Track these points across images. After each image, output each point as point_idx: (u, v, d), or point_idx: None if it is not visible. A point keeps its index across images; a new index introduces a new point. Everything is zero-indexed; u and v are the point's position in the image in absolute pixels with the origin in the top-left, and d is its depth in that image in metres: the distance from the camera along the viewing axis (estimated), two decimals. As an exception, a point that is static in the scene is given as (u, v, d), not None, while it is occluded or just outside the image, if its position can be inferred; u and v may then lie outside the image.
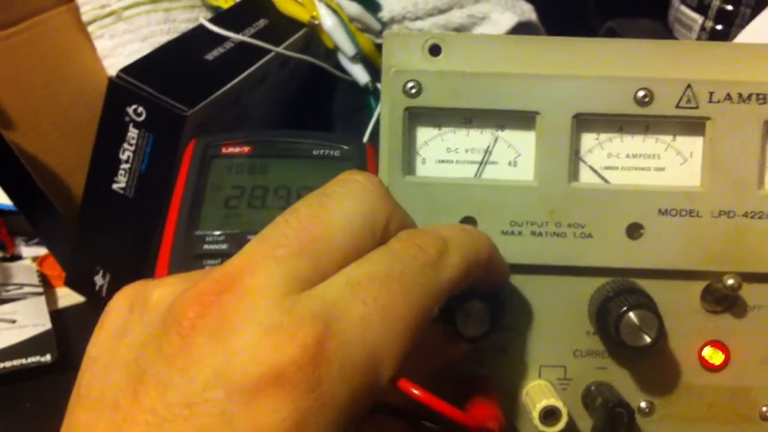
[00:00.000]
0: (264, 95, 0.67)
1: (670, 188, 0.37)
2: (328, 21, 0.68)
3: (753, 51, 0.37)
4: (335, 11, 0.69)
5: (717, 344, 0.38)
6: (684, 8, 0.76)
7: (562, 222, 0.37)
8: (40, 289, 0.68)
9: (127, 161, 0.57)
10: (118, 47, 0.69)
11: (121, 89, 0.56)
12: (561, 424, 0.36)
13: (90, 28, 0.69)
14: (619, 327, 0.35)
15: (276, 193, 0.51)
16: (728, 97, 0.36)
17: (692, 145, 0.37)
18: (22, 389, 0.58)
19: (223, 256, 0.47)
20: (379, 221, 0.30)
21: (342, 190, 0.30)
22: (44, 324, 0.63)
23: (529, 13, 0.80)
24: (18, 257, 0.75)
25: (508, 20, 0.75)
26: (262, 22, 0.66)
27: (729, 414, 0.39)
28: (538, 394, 0.37)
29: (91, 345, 0.29)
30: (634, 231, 0.37)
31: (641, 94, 0.36)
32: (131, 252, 0.59)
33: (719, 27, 0.72)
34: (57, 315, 0.65)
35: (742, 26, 0.69)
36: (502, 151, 0.38)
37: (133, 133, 0.56)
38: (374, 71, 0.70)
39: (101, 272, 0.61)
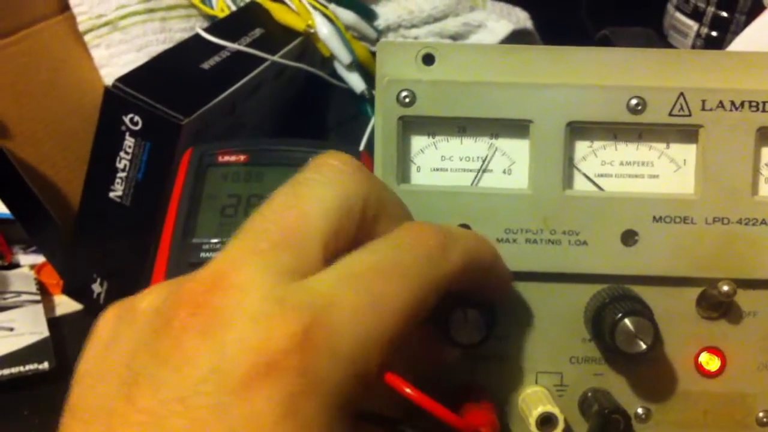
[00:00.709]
0: (260, 104, 0.67)
1: (664, 195, 0.37)
2: (323, 29, 0.68)
3: (745, 59, 0.37)
4: (331, 20, 0.69)
5: (713, 350, 0.38)
6: (679, 15, 0.76)
7: (557, 229, 0.37)
8: (38, 297, 0.68)
9: (123, 170, 0.57)
10: (114, 57, 0.69)
11: (118, 98, 0.56)
12: (558, 431, 0.36)
13: (86, 38, 0.69)
14: (615, 334, 0.35)
15: (272, 201, 0.51)
16: (721, 104, 0.36)
17: (686, 152, 0.38)
18: (20, 397, 0.58)
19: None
20: (357, 202, 0.30)
21: (315, 176, 0.30)
22: (42, 332, 0.63)
23: (525, 21, 0.80)
24: (16, 265, 0.74)
25: (504, 28, 0.75)
26: (258, 32, 0.67)
27: (725, 420, 0.39)
28: (534, 400, 0.37)
29: (81, 361, 0.29)
30: (628, 238, 0.37)
31: (634, 102, 0.36)
32: (128, 260, 0.59)
33: (714, 33, 0.73)
34: (54, 323, 0.65)
35: (737, 33, 0.69)
36: (497, 159, 0.38)
37: (129, 141, 0.56)
38: (370, 79, 0.70)
39: (99, 280, 0.61)
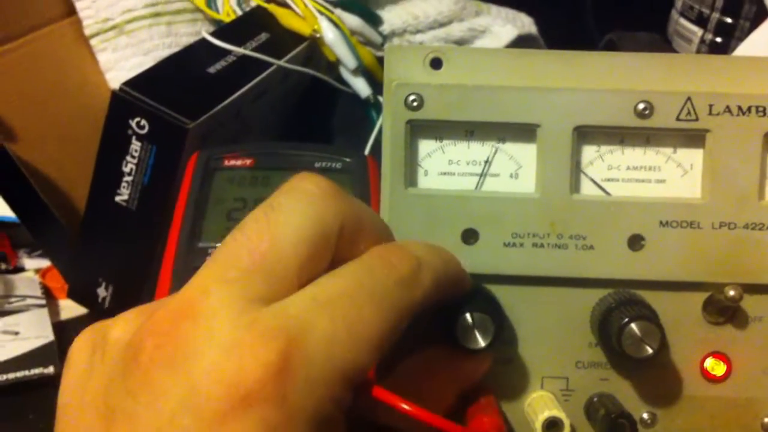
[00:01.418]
0: (266, 108, 0.67)
1: (671, 200, 0.37)
2: (329, 34, 0.68)
3: (753, 64, 0.37)
4: (336, 25, 0.69)
5: (719, 355, 0.38)
6: (683, 21, 0.76)
7: (564, 234, 0.37)
8: (43, 301, 0.68)
9: (129, 174, 0.57)
10: (121, 61, 0.69)
11: (124, 102, 0.56)
12: (563, 436, 0.36)
13: (92, 42, 0.70)
14: (621, 338, 0.35)
15: (278, 205, 0.51)
16: (728, 109, 0.36)
17: (693, 157, 0.38)
18: (25, 401, 0.58)
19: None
20: (332, 227, 0.29)
21: (288, 201, 0.30)
22: (47, 336, 0.63)
23: (530, 27, 0.80)
24: (21, 269, 0.75)
25: (509, 33, 0.75)
26: (263, 36, 0.67)
27: (731, 425, 0.39)
28: (540, 405, 0.37)
29: (61, 392, 0.29)
30: (635, 243, 0.37)
31: (641, 106, 0.36)
32: (134, 264, 0.59)
33: (719, 39, 0.73)
34: (60, 327, 0.65)
35: (742, 39, 0.69)
36: (504, 163, 0.38)
37: (135, 145, 0.57)
38: (375, 84, 0.70)
39: (104, 284, 0.61)
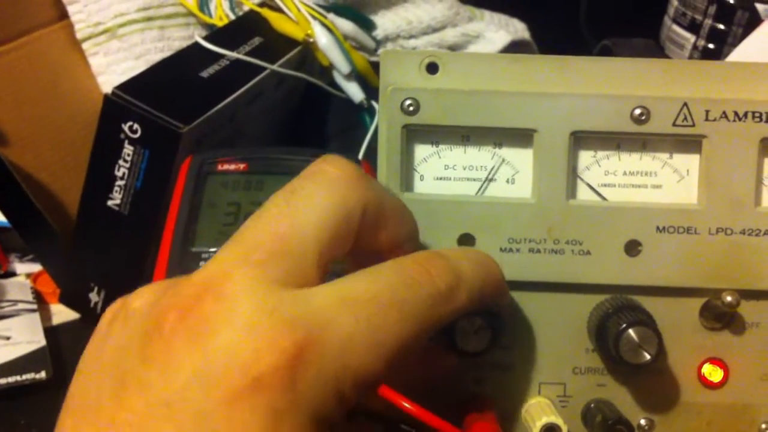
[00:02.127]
0: (259, 112, 0.67)
1: (668, 206, 0.37)
2: (322, 39, 0.68)
3: (749, 70, 0.37)
4: (330, 29, 0.69)
5: (716, 361, 0.38)
6: (676, 27, 0.76)
7: (561, 239, 0.37)
8: (35, 306, 0.68)
9: (122, 178, 0.57)
10: (113, 65, 0.69)
11: (117, 106, 0.56)
12: (561, 442, 0.36)
13: (84, 46, 0.69)
14: (619, 344, 0.35)
15: (272, 210, 0.51)
16: (724, 115, 0.36)
17: (689, 162, 0.38)
18: (17, 406, 0.57)
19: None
20: (354, 211, 0.30)
21: (310, 185, 0.30)
22: (39, 341, 0.62)
23: (523, 32, 0.80)
24: (12, 274, 0.74)
25: (502, 39, 0.75)
26: (257, 40, 0.67)
27: (728, 431, 0.39)
28: (537, 411, 0.37)
29: (81, 359, 0.29)
30: (632, 248, 0.37)
31: (638, 112, 0.36)
32: (126, 269, 0.59)
33: (711, 46, 0.73)
34: (51, 332, 0.65)
35: (734, 45, 0.69)
36: (500, 168, 0.38)
37: (128, 149, 0.56)
38: (369, 89, 0.70)
39: (96, 289, 0.61)
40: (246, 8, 0.71)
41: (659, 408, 0.39)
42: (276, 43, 0.68)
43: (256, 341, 0.25)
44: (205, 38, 0.64)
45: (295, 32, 0.69)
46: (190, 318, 0.26)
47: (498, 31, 0.77)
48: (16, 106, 0.65)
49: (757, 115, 0.36)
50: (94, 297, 0.61)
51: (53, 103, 0.67)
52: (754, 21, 0.68)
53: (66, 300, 0.64)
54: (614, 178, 0.38)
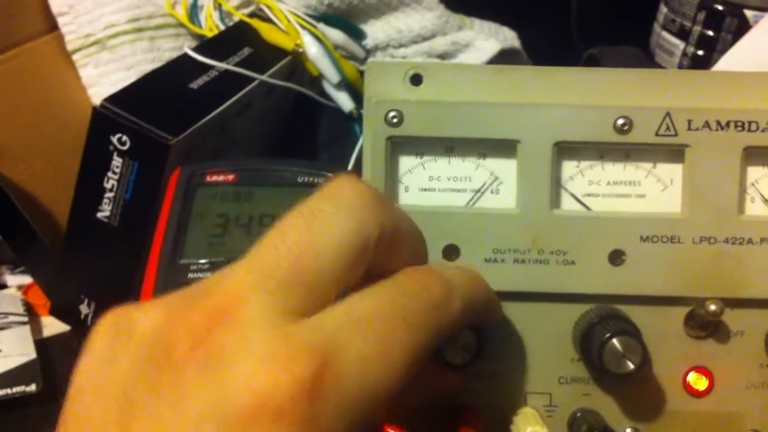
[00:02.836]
0: (249, 123, 0.67)
1: (651, 215, 0.37)
2: (312, 49, 0.68)
3: (731, 79, 0.37)
4: (319, 39, 0.69)
5: (701, 370, 0.38)
6: (665, 34, 0.76)
7: (545, 249, 0.37)
8: (25, 318, 0.68)
9: (111, 190, 0.57)
10: (103, 76, 0.69)
11: (106, 118, 0.56)
12: (546, 452, 0.36)
13: (74, 57, 0.69)
14: (603, 354, 0.35)
15: (261, 221, 0.51)
16: (707, 124, 0.37)
17: (672, 172, 0.38)
18: (7, 419, 0.58)
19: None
20: (371, 238, 0.29)
21: (329, 208, 0.29)
22: (29, 353, 0.62)
23: (512, 41, 0.80)
24: (3, 286, 0.74)
25: (492, 47, 0.76)
26: (246, 51, 0.67)
27: (713, 440, 0.39)
28: (523, 421, 0.37)
29: (77, 374, 0.28)
30: (616, 258, 0.37)
31: (621, 122, 0.37)
32: (116, 281, 0.59)
33: (700, 52, 0.73)
34: (42, 344, 0.65)
35: (723, 52, 0.69)
36: (484, 179, 0.38)
37: (117, 161, 0.56)
38: (359, 98, 0.70)
39: (86, 301, 0.61)
40: (236, 19, 0.71)
41: (645, 417, 0.39)
42: (265, 54, 0.68)
43: (272, 371, 0.24)
44: (194, 49, 0.64)
45: (285, 42, 0.69)
46: (202, 347, 0.25)
47: (488, 39, 0.77)
48: (5, 118, 0.65)
49: (739, 124, 0.37)
50: (84, 309, 0.61)
51: (43, 115, 0.67)
52: (743, 27, 0.68)
53: (56, 312, 0.64)
54: (598, 188, 0.38)
